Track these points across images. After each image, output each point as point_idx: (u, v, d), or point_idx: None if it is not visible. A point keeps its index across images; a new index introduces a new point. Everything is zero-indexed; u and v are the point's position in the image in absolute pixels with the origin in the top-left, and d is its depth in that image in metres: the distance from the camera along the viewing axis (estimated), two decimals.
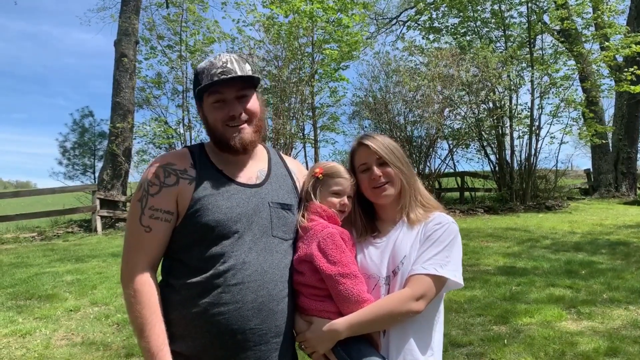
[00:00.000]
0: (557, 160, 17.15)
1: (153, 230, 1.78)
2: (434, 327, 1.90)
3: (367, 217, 2.06)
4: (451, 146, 16.52)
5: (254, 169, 1.96)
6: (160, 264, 1.89)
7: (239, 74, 1.83)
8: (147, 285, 1.74)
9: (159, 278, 1.88)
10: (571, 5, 16.54)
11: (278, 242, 1.88)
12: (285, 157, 2.15)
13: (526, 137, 16.34)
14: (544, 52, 17.12)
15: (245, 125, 1.87)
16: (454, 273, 1.83)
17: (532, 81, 16.08)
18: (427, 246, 1.86)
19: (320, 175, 2.00)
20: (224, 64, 1.83)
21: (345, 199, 2.02)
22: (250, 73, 1.87)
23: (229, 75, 1.81)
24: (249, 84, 1.89)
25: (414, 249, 1.88)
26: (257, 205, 1.87)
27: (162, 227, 1.79)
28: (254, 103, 1.90)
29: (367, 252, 1.97)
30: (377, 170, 1.96)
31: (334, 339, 1.79)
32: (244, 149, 1.88)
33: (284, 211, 1.93)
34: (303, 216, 1.97)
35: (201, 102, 1.90)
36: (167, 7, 16.03)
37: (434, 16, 20.66)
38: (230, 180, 1.88)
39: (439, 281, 1.82)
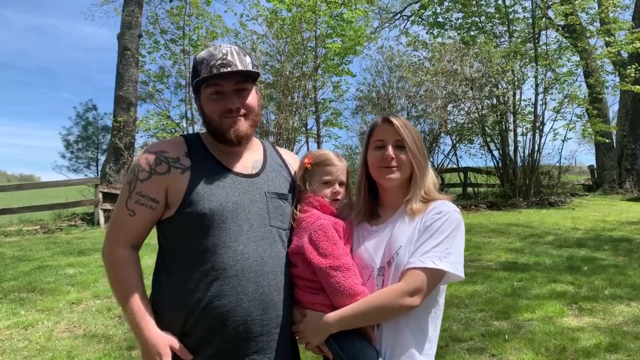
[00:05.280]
0: (560, 157, 17.20)
1: (137, 214, 1.81)
2: (429, 319, 1.83)
3: (370, 199, 1.97)
4: (454, 141, 16.52)
5: (250, 160, 1.94)
6: (156, 256, 1.89)
7: (239, 67, 1.79)
8: (127, 262, 1.79)
9: (153, 270, 1.89)
10: (576, 0, 16.43)
11: (275, 232, 1.86)
12: (279, 149, 2.13)
13: (530, 133, 16.30)
14: (548, 47, 17.03)
15: (241, 118, 1.84)
16: (455, 265, 1.73)
17: (535, 77, 16.01)
18: (426, 237, 1.76)
19: (309, 165, 1.96)
20: (224, 56, 1.79)
21: (337, 187, 1.97)
22: (250, 67, 1.83)
23: (228, 69, 1.77)
24: (248, 77, 1.86)
25: (412, 240, 1.79)
26: (254, 195, 1.85)
27: (146, 213, 1.81)
28: (252, 97, 1.87)
29: (363, 241, 1.91)
30: (391, 151, 1.86)
31: (325, 332, 1.78)
32: (239, 141, 1.85)
33: (280, 201, 1.91)
34: (296, 208, 1.93)
35: (198, 93, 1.87)
36: (170, 0, 16.01)
37: (438, 11, 20.59)
38: (227, 169, 1.86)
39: (437, 274, 1.73)
